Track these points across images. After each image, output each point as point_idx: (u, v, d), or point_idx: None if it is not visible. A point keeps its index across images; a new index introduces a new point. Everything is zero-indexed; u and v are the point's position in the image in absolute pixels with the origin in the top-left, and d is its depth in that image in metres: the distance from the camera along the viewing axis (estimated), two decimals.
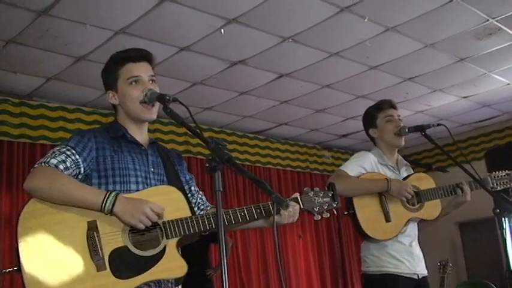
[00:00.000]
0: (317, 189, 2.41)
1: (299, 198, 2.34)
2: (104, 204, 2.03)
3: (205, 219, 2.17)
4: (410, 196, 3.25)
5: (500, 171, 3.48)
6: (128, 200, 2.07)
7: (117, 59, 2.38)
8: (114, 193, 2.06)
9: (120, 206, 2.04)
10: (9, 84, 5.34)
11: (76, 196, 2.05)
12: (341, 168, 3.33)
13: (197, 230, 2.15)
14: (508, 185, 3.44)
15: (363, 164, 3.33)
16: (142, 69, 2.34)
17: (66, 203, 2.05)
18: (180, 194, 2.22)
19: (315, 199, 2.37)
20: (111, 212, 2.04)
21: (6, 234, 5.07)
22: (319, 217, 2.38)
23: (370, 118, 3.53)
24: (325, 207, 2.38)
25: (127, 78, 2.32)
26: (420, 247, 3.42)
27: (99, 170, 2.20)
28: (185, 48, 4.88)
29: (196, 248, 5.47)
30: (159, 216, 2.08)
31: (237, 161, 2.04)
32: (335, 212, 2.41)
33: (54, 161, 2.10)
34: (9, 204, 5.18)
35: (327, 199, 2.39)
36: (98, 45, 4.66)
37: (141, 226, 2.05)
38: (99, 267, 2.02)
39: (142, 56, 2.38)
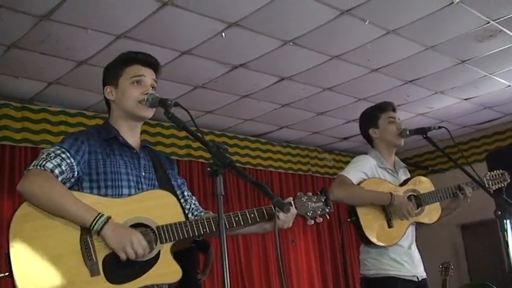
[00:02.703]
0: (310, 194, 2.40)
1: (292, 202, 2.32)
2: (93, 224, 1.99)
3: (199, 224, 2.15)
4: (409, 217, 3.24)
5: (496, 171, 3.50)
6: (118, 226, 2.03)
7: (126, 58, 2.38)
8: (106, 216, 2.01)
9: (109, 229, 2.00)
10: (11, 89, 5.36)
11: (67, 210, 2.01)
12: (343, 173, 3.31)
13: (191, 235, 2.14)
14: (503, 184, 3.46)
15: (364, 169, 3.32)
16: (147, 73, 2.35)
17: (56, 214, 2.02)
18: (174, 199, 2.21)
19: (308, 204, 2.35)
20: (98, 233, 2.00)
21: (7, 237, 5.05)
22: (312, 222, 2.37)
23: (371, 118, 3.51)
24: (318, 212, 2.36)
25: (131, 77, 2.31)
26: (420, 249, 3.42)
27: (90, 173, 2.17)
28: (186, 52, 4.89)
29: (185, 254, 5.50)
30: (144, 251, 2.03)
31: (239, 165, 2.03)
32: (327, 217, 2.40)
33: (49, 165, 2.06)
34: (11, 209, 5.16)
35: (320, 204, 2.38)
36: (99, 49, 4.67)
37: (123, 255, 2.00)
38: (93, 272, 1.99)
39: (150, 62, 2.38)
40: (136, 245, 2.01)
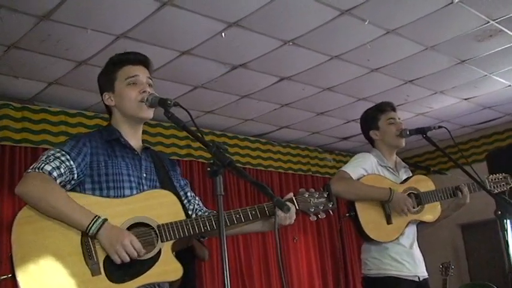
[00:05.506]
0: (312, 190, 2.40)
1: (294, 199, 2.33)
2: (89, 227, 2.00)
3: (200, 222, 2.17)
4: (407, 212, 3.23)
5: (498, 174, 3.48)
6: (113, 228, 2.04)
7: (116, 61, 2.39)
8: (102, 219, 2.03)
9: (104, 233, 2.01)
10: (11, 89, 5.35)
11: (64, 213, 2.02)
12: (343, 169, 3.32)
13: (192, 233, 2.15)
14: (505, 188, 3.45)
15: (364, 166, 3.33)
16: (140, 71, 2.35)
17: (53, 217, 2.03)
18: (174, 198, 2.22)
19: (310, 200, 2.36)
20: (95, 236, 2.02)
21: (8, 240, 5.04)
22: (315, 218, 2.37)
23: (371, 120, 3.52)
24: (321, 208, 2.37)
25: (125, 79, 2.32)
26: (421, 249, 3.42)
27: (92, 175, 2.18)
28: (186, 52, 4.89)
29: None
30: (138, 253, 2.04)
31: (239, 165, 2.04)
32: (331, 213, 2.40)
33: (48, 168, 2.07)
34: (12, 210, 5.16)
35: (323, 200, 2.38)
36: (99, 49, 4.67)
37: (116, 258, 2.01)
38: (94, 272, 2.01)
39: (140, 60, 2.39)
40: (128, 248, 2.01)
